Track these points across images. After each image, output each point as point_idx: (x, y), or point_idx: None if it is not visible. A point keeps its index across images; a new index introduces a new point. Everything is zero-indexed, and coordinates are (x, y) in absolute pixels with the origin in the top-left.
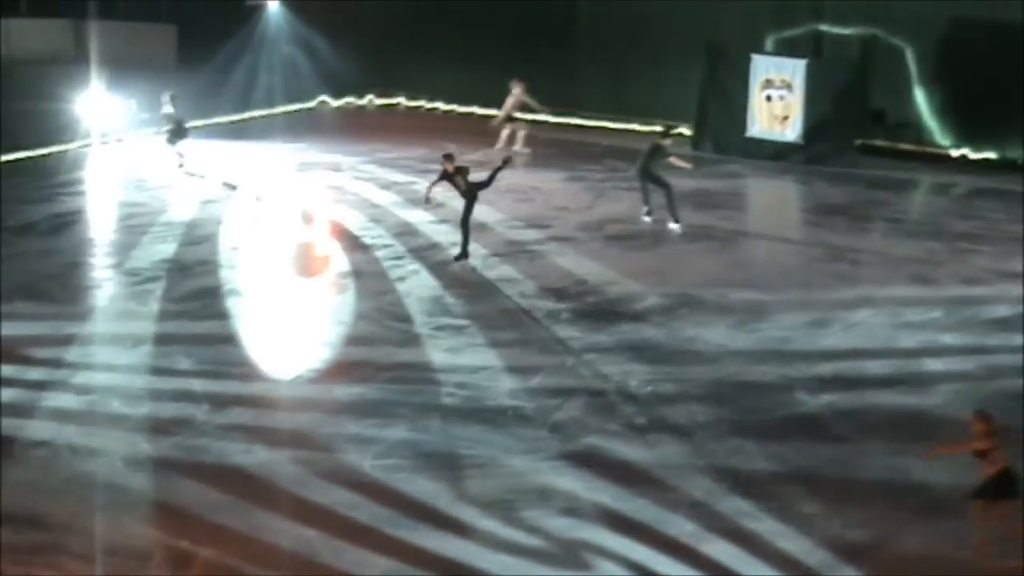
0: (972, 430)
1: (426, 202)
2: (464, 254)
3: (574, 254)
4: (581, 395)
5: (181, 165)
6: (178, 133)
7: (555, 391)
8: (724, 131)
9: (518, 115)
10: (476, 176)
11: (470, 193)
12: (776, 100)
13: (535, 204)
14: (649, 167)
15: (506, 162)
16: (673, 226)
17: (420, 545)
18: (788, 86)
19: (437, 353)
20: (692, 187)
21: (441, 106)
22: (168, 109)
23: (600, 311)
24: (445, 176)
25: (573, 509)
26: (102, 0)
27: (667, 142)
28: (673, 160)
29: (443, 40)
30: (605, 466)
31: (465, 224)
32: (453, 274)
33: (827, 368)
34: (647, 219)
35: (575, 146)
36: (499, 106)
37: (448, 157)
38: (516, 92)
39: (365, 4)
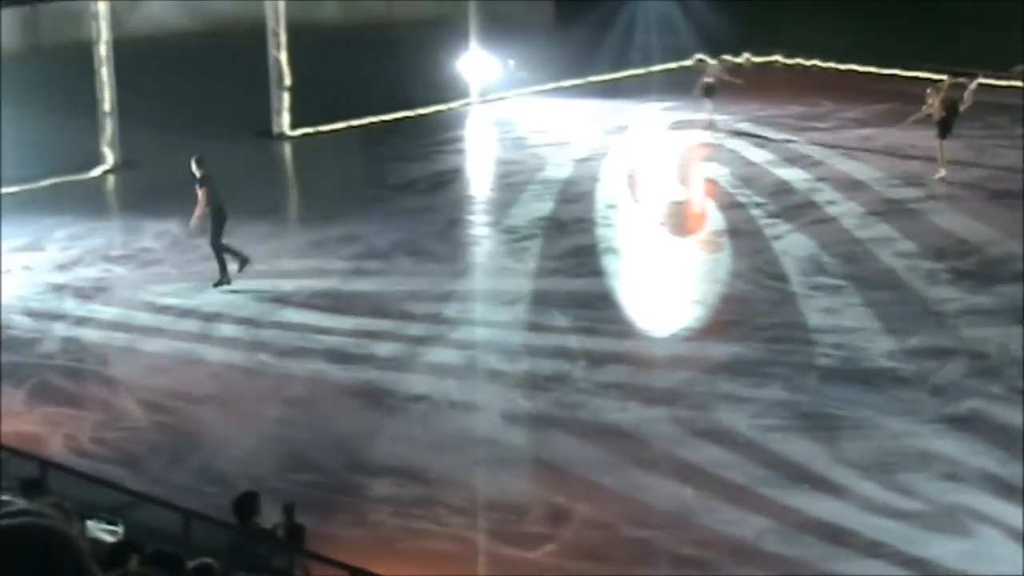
0: None
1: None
2: None
3: (954, 213)
4: (961, 357)
5: None
6: None
7: (934, 353)
8: None
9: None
10: None
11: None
12: None
13: (914, 162)
14: None
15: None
16: None
17: (795, 506)
18: None
19: (813, 313)
20: None
21: (818, 63)
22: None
23: (981, 271)
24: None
25: (954, 474)
26: None
27: None
28: None
29: None
30: (987, 430)
31: None
32: (829, 233)
33: None
34: None
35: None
36: (879, 63)
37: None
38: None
39: None
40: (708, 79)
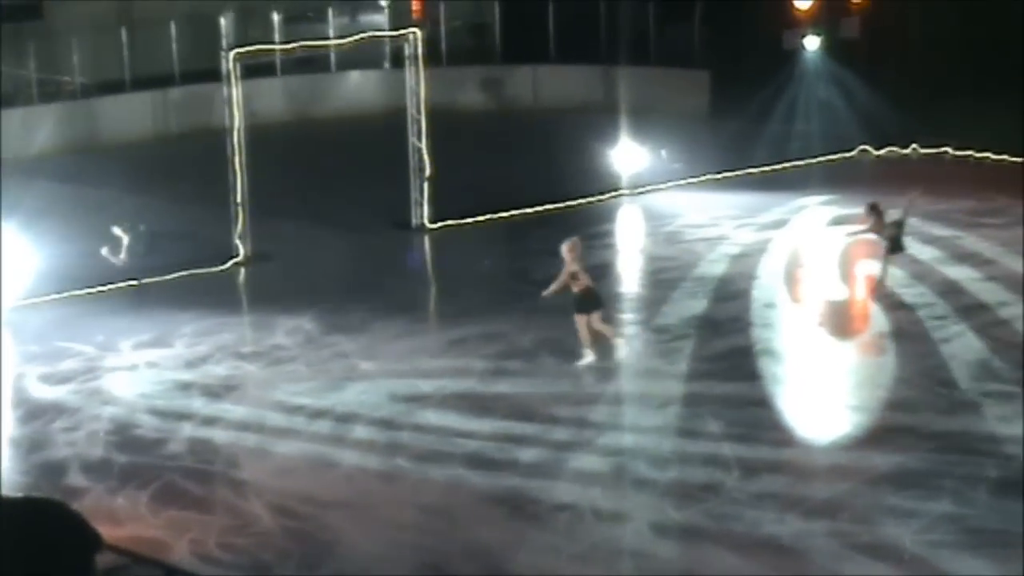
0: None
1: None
2: None
3: None
4: None
5: None
6: None
7: None
8: None
9: None
10: None
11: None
12: None
13: None
14: None
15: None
16: None
17: None
18: None
19: (985, 421)
20: None
21: (991, 155)
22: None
23: None
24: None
25: None
26: (634, 46)
27: None
28: None
29: (994, 85)
30: None
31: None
32: (1001, 336)
33: None
34: None
35: None
36: None
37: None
38: None
39: (912, 47)
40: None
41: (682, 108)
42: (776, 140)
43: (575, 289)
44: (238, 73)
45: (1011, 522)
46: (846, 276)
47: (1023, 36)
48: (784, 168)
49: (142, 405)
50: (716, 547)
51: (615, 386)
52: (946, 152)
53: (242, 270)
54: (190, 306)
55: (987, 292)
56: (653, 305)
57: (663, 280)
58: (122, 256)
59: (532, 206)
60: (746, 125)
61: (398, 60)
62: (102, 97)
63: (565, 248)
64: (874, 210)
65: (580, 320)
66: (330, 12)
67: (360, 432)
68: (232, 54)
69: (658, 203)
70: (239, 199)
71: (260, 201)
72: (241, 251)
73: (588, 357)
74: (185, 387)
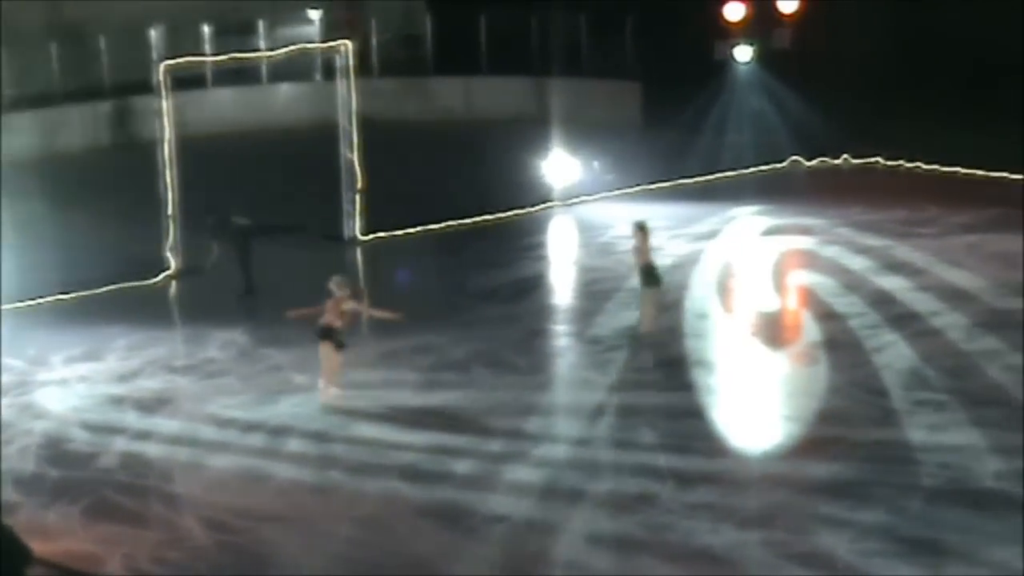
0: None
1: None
2: None
3: None
4: None
5: None
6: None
7: None
8: None
9: None
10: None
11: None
12: None
13: None
14: None
15: None
16: None
17: None
18: None
19: (916, 430)
20: None
21: (922, 165)
22: None
23: None
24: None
25: None
26: (565, 57)
27: None
28: None
29: (925, 96)
30: None
31: None
32: (933, 345)
33: None
34: None
35: None
36: (985, 166)
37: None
38: None
39: (844, 59)
40: None
41: (614, 119)
42: (708, 151)
43: (338, 324)
44: (169, 85)
45: (943, 531)
46: (778, 286)
47: (953, 47)
48: (716, 179)
49: (74, 419)
50: (650, 558)
51: (549, 398)
52: (877, 162)
53: (174, 283)
54: (122, 320)
55: (919, 302)
56: (586, 316)
57: (596, 291)
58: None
59: (465, 218)
60: (678, 136)
61: (329, 72)
62: (31, 110)
63: (334, 284)
64: (641, 229)
65: (325, 349)
66: (261, 24)
67: (294, 445)
68: (163, 66)
69: (591, 214)
70: (170, 212)
71: (192, 214)
72: (173, 264)
73: (329, 390)
74: (117, 401)
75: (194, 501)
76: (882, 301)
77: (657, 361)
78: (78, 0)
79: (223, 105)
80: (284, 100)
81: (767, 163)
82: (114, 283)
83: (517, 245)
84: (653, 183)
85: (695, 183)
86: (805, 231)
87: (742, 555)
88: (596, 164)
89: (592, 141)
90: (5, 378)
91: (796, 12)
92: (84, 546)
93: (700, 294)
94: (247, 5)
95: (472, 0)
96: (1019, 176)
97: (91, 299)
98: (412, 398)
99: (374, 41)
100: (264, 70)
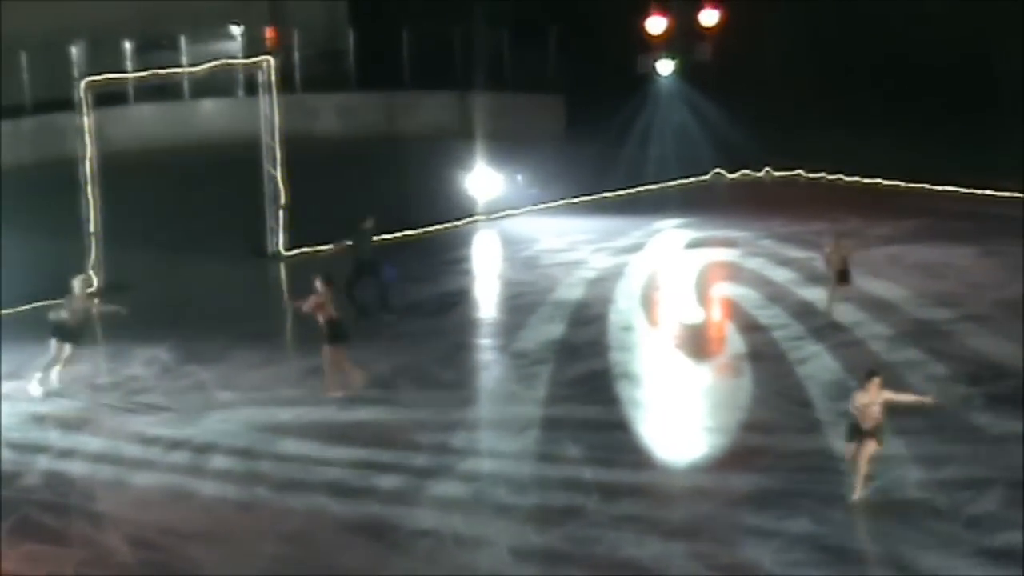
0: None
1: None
2: None
3: (989, 335)
4: (998, 487)
5: None
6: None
7: (969, 482)
8: None
9: None
10: None
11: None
12: None
13: (946, 281)
14: None
15: None
16: None
17: None
18: None
19: (841, 441)
20: None
21: (843, 177)
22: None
23: (1017, 396)
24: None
25: None
26: (488, 72)
27: None
28: None
29: (845, 109)
30: None
31: None
32: (856, 356)
33: None
34: None
35: (991, 219)
36: (906, 178)
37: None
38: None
39: (765, 72)
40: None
41: (538, 133)
42: (631, 164)
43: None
44: (91, 102)
45: (867, 541)
46: (702, 299)
47: (871, 61)
48: (640, 192)
49: None
50: (576, 570)
51: (474, 412)
52: (799, 175)
53: (96, 301)
54: (44, 338)
55: (841, 312)
56: (511, 330)
57: (521, 305)
58: None
59: (389, 233)
60: (601, 149)
61: (252, 88)
62: None
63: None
64: (326, 283)
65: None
66: (183, 40)
67: (219, 462)
68: (84, 83)
69: (515, 228)
70: (92, 229)
71: (115, 231)
72: (95, 281)
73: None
74: (40, 420)
75: (118, 519)
76: (805, 313)
77: (582, 375)
78: None
79: (145, 121)
80: (207, 116)
81: (690, 176)
82: (36, 301)
83: (441, 259)
84: (577, 197)
85: (619, 196)
86: (728, 244)
87: (668, 566)
88: (520, 178)
89: (515, 155)
90: None
91: (717, 25)
92: (7, 565)
93: (624, 307)
94: (169, 20)
95: (395, 15)
96: (939, 187)
97: (13, 317)
98: (337, 414)
99: (296, 56)
100: (187, 86)
